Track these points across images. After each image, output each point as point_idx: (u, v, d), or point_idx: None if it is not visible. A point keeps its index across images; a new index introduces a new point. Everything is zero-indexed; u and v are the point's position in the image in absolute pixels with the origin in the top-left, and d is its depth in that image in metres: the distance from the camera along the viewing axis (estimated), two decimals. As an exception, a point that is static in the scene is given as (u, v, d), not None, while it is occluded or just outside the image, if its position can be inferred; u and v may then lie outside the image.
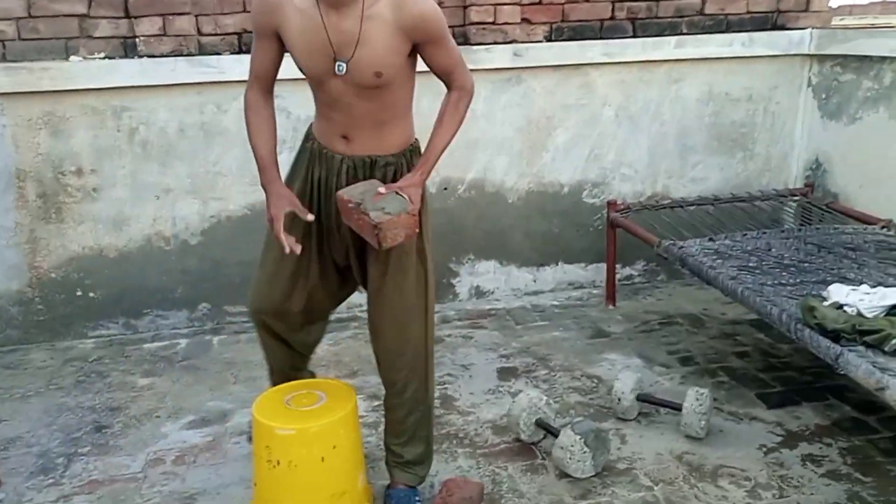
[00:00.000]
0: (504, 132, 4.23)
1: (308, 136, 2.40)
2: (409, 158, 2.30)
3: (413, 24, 2.09)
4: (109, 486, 2.72)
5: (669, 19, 4.34)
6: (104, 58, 3.83)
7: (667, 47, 4.29)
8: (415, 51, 2.17)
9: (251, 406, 2.41)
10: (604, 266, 4.30)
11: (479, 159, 4.25)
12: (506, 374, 3.47)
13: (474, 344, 3.80)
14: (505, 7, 4.11)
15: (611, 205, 4.11)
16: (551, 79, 4.22)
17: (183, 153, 3.94)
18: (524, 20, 4.18)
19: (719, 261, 3.31)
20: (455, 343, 3.82)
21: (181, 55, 3.84)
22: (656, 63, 4.31)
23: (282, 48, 2.22)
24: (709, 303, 4.23)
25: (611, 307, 4.22)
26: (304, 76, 2.24)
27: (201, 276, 4.06)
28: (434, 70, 2.23)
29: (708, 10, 4.38)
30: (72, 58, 3.80)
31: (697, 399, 2.85)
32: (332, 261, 2.42)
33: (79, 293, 3.99)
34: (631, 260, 4.55)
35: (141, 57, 3.81)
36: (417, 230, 2.16)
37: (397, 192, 2.13)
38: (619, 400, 3.02)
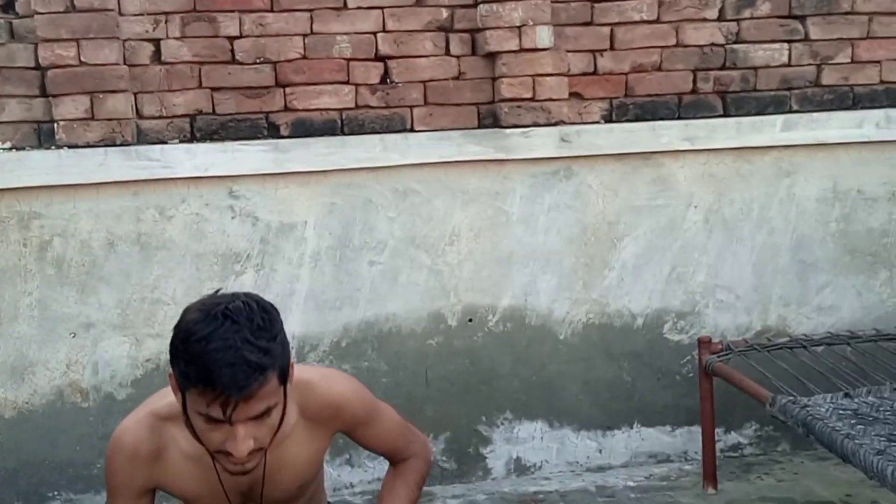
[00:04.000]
0: (550, 243, 3.29)
1: None
2: None
3: (329, 416, 1.72)
4: None
5: (773, 92, 3.41)
6: (10, 148, 3.01)
7: (771, 130, 3.35)
8: None
9: None
10: (698, 430, 3.26)
11: (517, 280, 3.29)
12: None
13: (515, 544, 2.85)
14: (547, 78, 3.20)
15: (704, 344, 3.19)
16: (613, 172, 3.29)
17: (111, 275, 3.05)
18: (574, 95, 3.28)
19: (860, 426, 2.62)
20: (486, 543, 2.88)
21: (113, 145, 3.00)
22: (758, 150, 3.37)
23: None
24: (854, 485, 3.17)
25: (711, 491, 3.20)
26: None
27: (131, 443, 3.00)
28: (378, 449, 1.88)
29: (825, 81, 3.45)
30: (-35, 148, 2.94)
31: None
32: None
33: (-40, 467, 3.00)
34: (738, 422, 3.47)
35: (60, 147, 2.99)
36: None
37: None
38: None
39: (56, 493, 3.05)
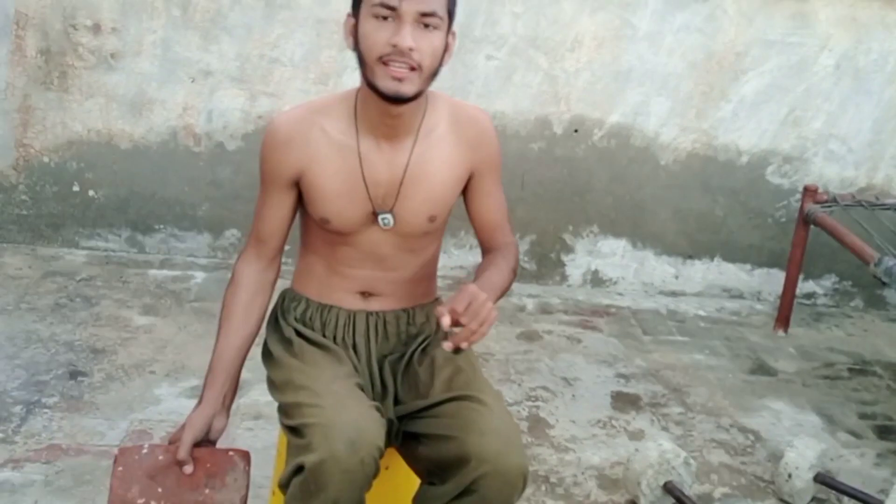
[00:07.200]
0: (672, 65, 3.20)
1: (285, 311, 1.78)
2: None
3: (474, 137, 1.65)
4: (73, 458, 2.16)
5: (939, -61, 3.13)
6: None
7: (928, -20, 3.15)
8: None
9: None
10: (779, 274, 3.28)
11: (630, 98, 3.23)
12: (623, 401, 2.72)
13: (583, 351, 3.00)
14: None
15: (808, 192, 3.12)
16: (753, 0, 3.11)
17: (234, 26, 3.06)
18: (728, -89, 3.03)
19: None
20: (556, 345, 3.01)
21: None
22: (909, 1, 3.19)
23: (298, 200, 1.68)
24: (922, 351, 3.22)
25: (781, 333, 3.25)
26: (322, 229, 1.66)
27: (235, 193, 3.20)
28: (479, 217, 1.73)
29: None
30: None
31: (910, 499, 2.07)
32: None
33: (75, 188, 3.19)
34: (818, 272, 3.47)
35: None
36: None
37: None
38: (790, 476, 2.26)
39: (162, 226, 3.21)
